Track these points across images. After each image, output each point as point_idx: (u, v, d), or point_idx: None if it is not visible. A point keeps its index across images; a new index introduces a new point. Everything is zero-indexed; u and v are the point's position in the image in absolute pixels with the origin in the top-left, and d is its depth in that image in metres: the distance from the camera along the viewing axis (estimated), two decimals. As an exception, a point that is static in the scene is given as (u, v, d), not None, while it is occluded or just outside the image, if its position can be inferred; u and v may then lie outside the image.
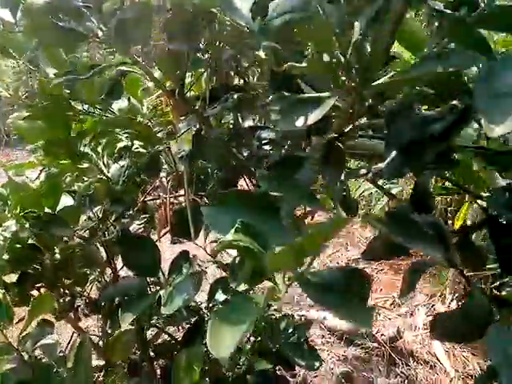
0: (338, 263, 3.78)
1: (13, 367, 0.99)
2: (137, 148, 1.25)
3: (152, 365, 1.28)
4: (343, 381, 2.13)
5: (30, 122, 1.33)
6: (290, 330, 1.35)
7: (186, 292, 1.08)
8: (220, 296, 1.38)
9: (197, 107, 0.93)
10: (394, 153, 0.50)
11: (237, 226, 0.47)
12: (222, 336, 0.40)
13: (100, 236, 1.18)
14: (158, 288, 1.11)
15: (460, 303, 2.93)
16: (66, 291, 1.50)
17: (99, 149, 1.44)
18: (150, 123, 1.11)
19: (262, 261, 0.46)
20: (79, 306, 1.53)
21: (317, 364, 1.28)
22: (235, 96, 0.83)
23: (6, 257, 1.15)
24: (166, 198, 1.23)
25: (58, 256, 1.25)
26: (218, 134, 0.87)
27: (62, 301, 1.40)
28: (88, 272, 1.47)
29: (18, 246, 1.18)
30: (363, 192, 4.05)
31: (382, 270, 3.60)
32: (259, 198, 0.50)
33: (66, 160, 1.32)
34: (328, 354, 2.34)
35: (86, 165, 1.41)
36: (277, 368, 1.98)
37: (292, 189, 0.53)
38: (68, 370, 0.77)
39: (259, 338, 1.38)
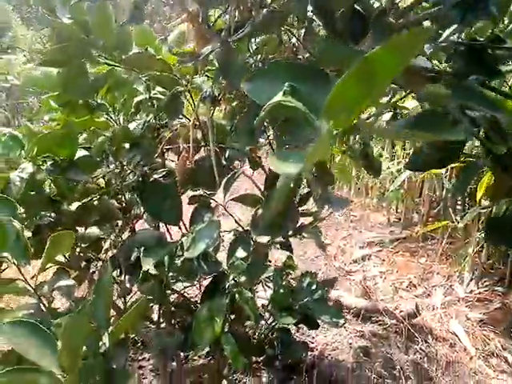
0: (351, 246, 3.72)
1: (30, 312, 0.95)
2: (155, 94, 1.20)
3: (171, 319, 1.24)
4: (361, 355, 2.07)
5: (44, 73, 1.29)
6: (314, 287, 1.31)
7: (208, 237, 1.04)
8: (240, 253, 1.34)
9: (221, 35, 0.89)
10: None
11: (285, 88, 0.42)
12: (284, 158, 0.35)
13: (118, 184, 1.14)
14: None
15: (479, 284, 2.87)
16: (81, 254, 1.46)
17: (116, 105, 1.40)
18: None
19: (312, 124, 0.41)
20: (94, 271, 1.50)
21: (341, 321, 1.23)
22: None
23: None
24: (186, 146, 1.18)
25: (74, 207, 1.21)
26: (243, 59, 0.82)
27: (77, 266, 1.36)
28: (103, 235, 1.43)
29: (34, 193, 1.14)
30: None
31: (397, 252, 3.54)
32: (308, 68, 0.45)
33: (82, 111, 1.28)
34: (346, 330, 2.29)
35: (102, 118, 1.37)
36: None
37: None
38: (87, 302, 0.72)
39: (282, 293, 1.33)
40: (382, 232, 3.94)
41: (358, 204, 4.54)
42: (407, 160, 0.63)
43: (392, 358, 2.13)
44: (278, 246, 1.59)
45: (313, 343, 2.14)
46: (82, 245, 1.42)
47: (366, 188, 4.40)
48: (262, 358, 2.12)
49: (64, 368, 0.61)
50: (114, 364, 0.74)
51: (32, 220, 1.18)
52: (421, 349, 2.26)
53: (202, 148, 1.28)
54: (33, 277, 0.98)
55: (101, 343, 0.83)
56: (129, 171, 1.13)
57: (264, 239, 1.18)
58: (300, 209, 1.74)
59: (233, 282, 1.31)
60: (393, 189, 3.59)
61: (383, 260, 3.46)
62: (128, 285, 1.22)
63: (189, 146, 1.07)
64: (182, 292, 1.39)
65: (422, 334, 2.34)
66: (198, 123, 1.21)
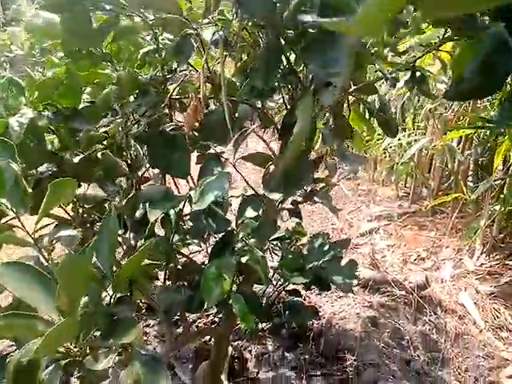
0: (359, 220, 3.67)
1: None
2: (163, 40, 1.13)
3: (178, 277, 1.19)
4: (369, 325, 2.04)
5: (46, 20, 1.21)
6: (326, 248, 1.26)
7: (217, 188, 0.98)
8: (250, 213, 1.29)
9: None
10: None
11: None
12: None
13: (123, 136, 1.08)
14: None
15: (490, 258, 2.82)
16: (85, 215, 1.41)
17: (121, 56, 1.32)
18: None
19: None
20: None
21: (354, 282, 1.18)
22: None
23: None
24: (195, 99, 1.11)
25: (77, 159, 1.15)
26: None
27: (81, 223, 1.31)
28: (108, 197, 1.38)
29: (34, 144, 1.08)
30: (388, 146, 3.90)
31: (405, 226, 3.49)
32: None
33: (86, 61, 1.21)
34: (353, 301, 2.25)
35: (107, 70, 1.30)
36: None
37: None
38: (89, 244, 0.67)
39: (292, 256, 1.28)
40: (390, 206, 3.88)
41: (366, 178, 4.47)
42: (449, 88, 0.56)
43: (400, 329, 2.10)
44: (286, 213, 1.54)
45: (320, 312, 2.10)
46: (86, 206, 1.37)
47: (374, 162, 4.32)
48: (267, 327, 2.10)
49: (62, 313, 0.56)
50: (118, 315, 0.69)
51: (32, 173, 1.12)
52: (430, 320, 2.22)
53: (211, 101, 1.22)
54: (34, 230, 0.93)
55: (104, 294, 0.78)
56: (135, 121, 1.07)
57: (276, 196, 1.13)
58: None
59: (242, 242, 1.26)
60: (403, 161, 3.51)
61: (391, 234, 3.41)
62: (133, 242, 1.18)
63: (198, 99, 1.00)
64: (190, 256, 1.35)
65: (431, 306, 2.31)
66: (208, 74, 1.14)
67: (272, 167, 1.20)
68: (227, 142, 1.16)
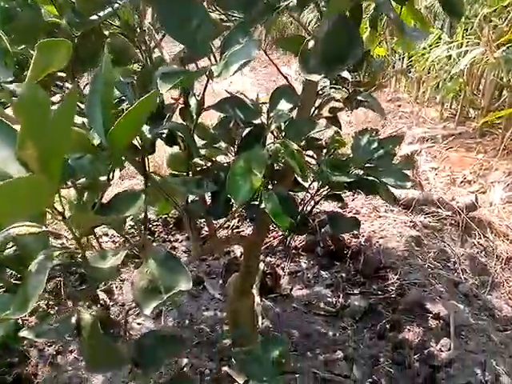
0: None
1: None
2: None
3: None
4: (413, 244, 1.88)
5: None
6: (375, 146, 1.07)
7: (244, 56, 0.78)
8: (283, 105, 1.10)
9: None
10: None
11: None
12: None
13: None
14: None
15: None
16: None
17: None
18: None
19: None
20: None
21: (408, 184, 1.00)
22: None
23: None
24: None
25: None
26: None
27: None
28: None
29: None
30: (436, 60, 3.54)
31: (451, 148, 3.22)
32: None
33: None
34: (394, 220, 2.08)
35: None
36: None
37: None
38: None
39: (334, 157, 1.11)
40: (434, 128, 3.58)
41: (408, 99, 4.15)
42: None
43: (446, 250, 1.93)
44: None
45: (355, 231, 1.95)
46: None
47: (418, 81, 3.97)
48: (301, 244, 1.98)
49: (25, 166, 0.41)
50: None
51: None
52: (478, 243, 2.04)
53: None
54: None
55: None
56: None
57: (316, 77, 0.92)
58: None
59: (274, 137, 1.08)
60: (452, 74, 3.18)
61: (434, 156, 3.16)
62: (149, 135, 1.01)
63: None
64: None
65: (480, 228, 2.11)
66: None
67: (310, 43, 0.98)
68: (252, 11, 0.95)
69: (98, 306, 0.69)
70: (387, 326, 1.50)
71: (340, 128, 1.45)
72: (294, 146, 0.98)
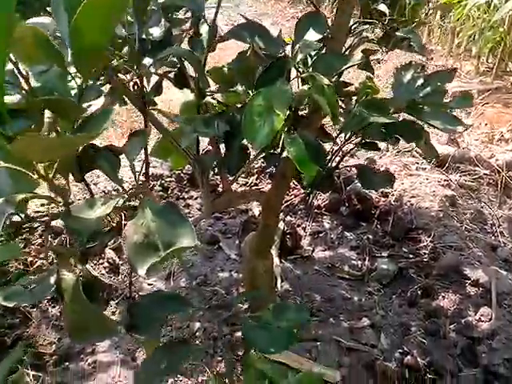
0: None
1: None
2: None
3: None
4: (447, 205, 1.71)
5: None
6: (420, 82, 0.90)
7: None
8: (311, 35, 0.93)
9: None
10: None
11: None
12: None
13: None
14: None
15: None
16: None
17: None
18: None
19: None
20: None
21: (460, 128, 0.83)
22: None
23: None
24: None
25: None
26: None
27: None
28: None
29: None
30: (474, 7, 3.25)
31: (486, 103, 2.98)
32: None
33: None
34: (426, 179, 1.91)
35: None
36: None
37: None
38: None
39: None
40: (470, 82, 3.32)
41: (441, 51, 3.86)
42: None
43: (483, 212, 1.76)
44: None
45: (386, 188, 1.79)
46: None
47: (452, 31, 3.67)
48: (324, 203, 1.83)
49: None
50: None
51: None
52: (519, 204, 1.86)
53: None
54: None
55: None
56: None
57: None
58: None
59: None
60: (492, 23, 2.90)
61: (469, 112, 2.93)
62: (152, 68, 0.87)
63: None
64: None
65: (522, 189, 1.93)
66: None
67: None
68: None
69: (85, 264, 0.56)
70: (419, 292, 1.37)
71: (372, 73, 1.28)
72: (324, 81, 0.82)
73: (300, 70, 0.94)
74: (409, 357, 1.16)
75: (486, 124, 2.76)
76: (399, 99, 0.90)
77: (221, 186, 1.04)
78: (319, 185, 1.30)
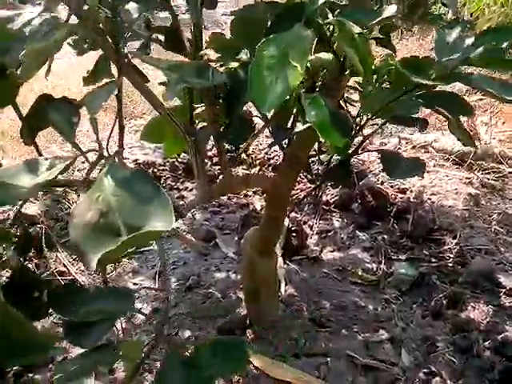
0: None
1: None
2: None
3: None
4: (471, 204, 1.53)
5: None
6: (469, 41, 0.72)
7: None
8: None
9: None
10: None
11: None
12: None
13: None
14: None
15: None
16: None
17: None
18: None
19: None
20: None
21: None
22: None
23: None
24: None
25: None
26: None
27: None
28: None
29: None
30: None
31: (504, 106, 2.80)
32: None
33: None
34: (446, 176, 1.73)
35: None
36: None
37: None
38: None
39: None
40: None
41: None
42: None
43: (510, 213, 1.58)
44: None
45: (404, 184, 1.61)
46: None
47: (469, 23, 3.49)
48: (333, 199, 1.65)
49: None
50: None
51: None
52: (548, 206, 1.68)
53: None
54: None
55: None
56: None
57: None
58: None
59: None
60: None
61: (485, 110, 2.75)
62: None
63: None
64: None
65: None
66: None
67: None
68: None
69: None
70: (444, 301, 1.19)
71: (394, 51, 1.11)
72: (354, 28, 0.64)
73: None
74: (437, 378, 0.98)
75: (503, 122, 2.58)
76: (444, 63, 0.72)
77: (219, 176, 0.86)
78: (333, 174, 1.12)
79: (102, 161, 0.48)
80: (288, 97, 0.61)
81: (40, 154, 0.53)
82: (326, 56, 0.85)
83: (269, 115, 0.77)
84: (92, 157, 0.54)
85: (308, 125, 0.75)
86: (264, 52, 0.60)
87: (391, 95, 0.81)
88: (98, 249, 0.36)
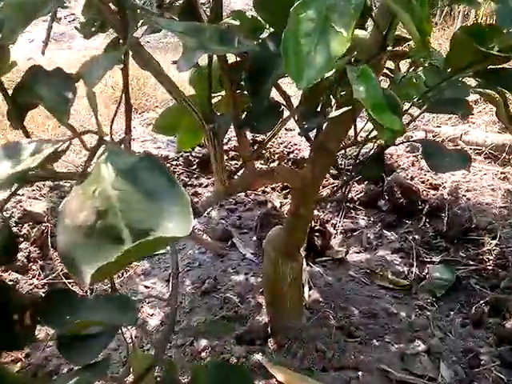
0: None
1: None
2: None
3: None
4: (509, 200, 1.41)
5: None
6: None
7: None
8: None
9: None
10: None
11: None
12: None
13: None
14: None
15: None
16: None
17: None
18: None
19: None
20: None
21: None
22: None
23: None
24: None
25: None
26: None
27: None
28: None
29: None
30: None
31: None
32: None
33: None
34: (479, 170, 1.61)
35: None
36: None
37: None
38: None
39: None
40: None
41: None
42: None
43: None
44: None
45: (435, 180, 1.49)
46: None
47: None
48: (358, 196, 1.54)
49: None
50: None
51: None
52: None
53: None
54: None
55: None
56: None
57: None
58: None
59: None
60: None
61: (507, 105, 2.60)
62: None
63: None
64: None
65: None
66: None
67: None
68: None
69: None
70: (485, 308, 1.08)
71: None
72: (410, -11, 0.53)
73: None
74: (484, 398, 0.87)
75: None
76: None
77: (237, 173, 0.76)
78: (364, 168, 1.02)
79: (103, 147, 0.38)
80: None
81: (27, 135, 0.44)
82: (361, 32, 0.75)
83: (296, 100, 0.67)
84: (91, 142, 0.44)
85: (346, 109, 0.65)
86: (301, 15, 0.50)
87: (440, 75, 0.70)
88: (94, 260, 0.26)
